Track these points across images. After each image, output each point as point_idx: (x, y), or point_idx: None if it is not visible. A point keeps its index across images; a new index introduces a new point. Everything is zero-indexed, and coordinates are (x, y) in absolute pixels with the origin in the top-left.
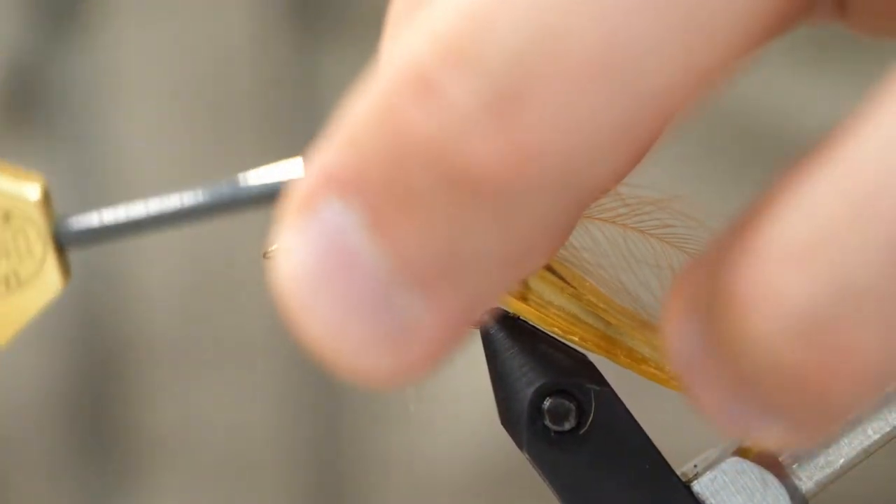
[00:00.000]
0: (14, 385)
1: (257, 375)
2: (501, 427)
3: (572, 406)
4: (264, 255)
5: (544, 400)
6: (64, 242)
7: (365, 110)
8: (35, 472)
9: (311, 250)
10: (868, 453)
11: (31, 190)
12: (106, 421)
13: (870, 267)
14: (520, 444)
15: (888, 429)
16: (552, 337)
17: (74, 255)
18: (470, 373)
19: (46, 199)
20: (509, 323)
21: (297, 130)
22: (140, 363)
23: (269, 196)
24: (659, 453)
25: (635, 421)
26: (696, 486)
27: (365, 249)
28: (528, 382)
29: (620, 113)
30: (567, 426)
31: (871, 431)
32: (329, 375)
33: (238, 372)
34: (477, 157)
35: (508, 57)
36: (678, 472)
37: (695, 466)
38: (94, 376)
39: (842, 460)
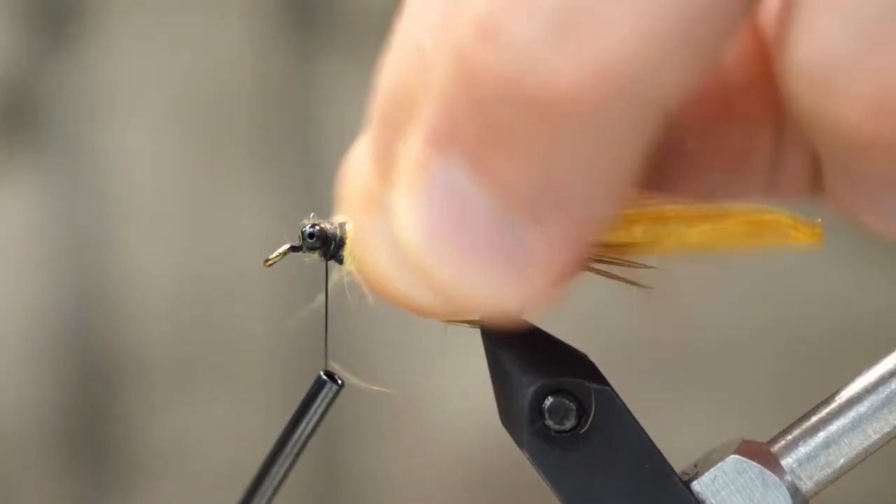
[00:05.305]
0: (10, 402)
1: (250, 392)
2: (496, 442)
3: (573, 405)
4: (265, 263)
5: (545, 399)
6: None
7: (441, 67)
8: (30, 486)
9: (428, 207)
10: (868, 453)
11: None
12: (100, 437)
13: None
14: (520, 444)
15: (888, 429)
16: (553, 336)
17: (67, 275)
18: (467, 390)
19: None
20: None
21: (293, 143)
22: (134, 381)
23: None
24: (659, 453)
25: (635, 420)
26: (697, 486)
27: (473, 193)
28: (528, 381)
29: (679, 12)
30: (567, 425)
31: (871, 431)
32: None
33: (231, 389)
34: (552, 80)
35: None
36: (678, 472)
37: (695, 466)
38: (89, 394)
39: (842, 460)
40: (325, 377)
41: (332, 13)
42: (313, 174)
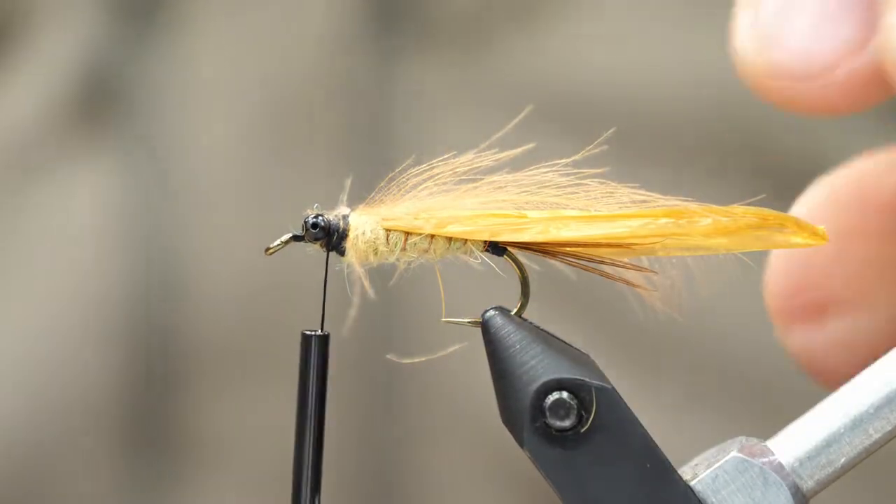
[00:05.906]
0: (74, 387)
1: None
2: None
3: (574, 404)
4: (266, 252)
5: (546, 398)
6: None
7: None
8: (90, 470)
9: None
10: (869, 452)
11: None
12: (160, 423)
13: None
14: (520, 442)
15: (889, 428)
16: (555, 335)
17: (137, 262)
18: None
19: None
20: (512, 321)
21: (369, 142)
22: (195, 370)
23: None
24: (660, 452)
25: (637, 419)
26: (698, 485)
27: None
28: (529, 380)
29: None
30: (568, 424)
31: (872, 430)
32: (374, 387)
33: (288, 381)
34: None
35: None
36: (679, 471)
37: (696, 465)
38: (151, 381)
39: (843, 459)
40: (307, 333)
41: (414, 14)
42: (388, 173)
